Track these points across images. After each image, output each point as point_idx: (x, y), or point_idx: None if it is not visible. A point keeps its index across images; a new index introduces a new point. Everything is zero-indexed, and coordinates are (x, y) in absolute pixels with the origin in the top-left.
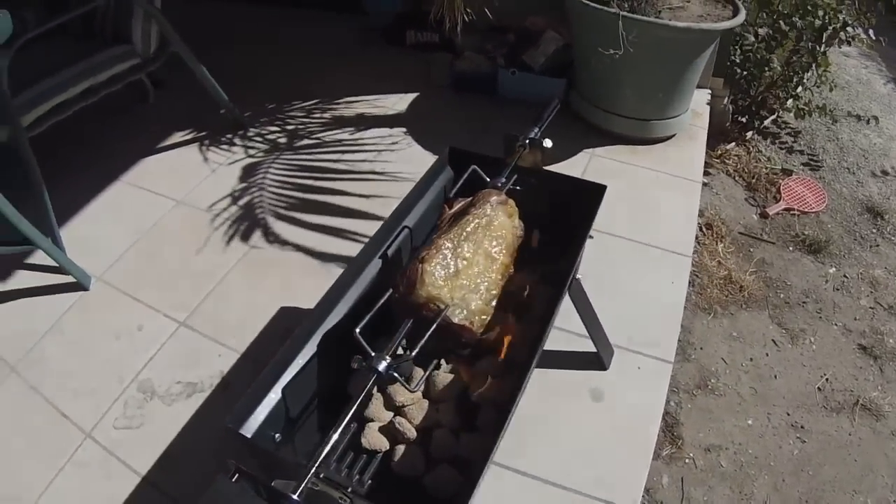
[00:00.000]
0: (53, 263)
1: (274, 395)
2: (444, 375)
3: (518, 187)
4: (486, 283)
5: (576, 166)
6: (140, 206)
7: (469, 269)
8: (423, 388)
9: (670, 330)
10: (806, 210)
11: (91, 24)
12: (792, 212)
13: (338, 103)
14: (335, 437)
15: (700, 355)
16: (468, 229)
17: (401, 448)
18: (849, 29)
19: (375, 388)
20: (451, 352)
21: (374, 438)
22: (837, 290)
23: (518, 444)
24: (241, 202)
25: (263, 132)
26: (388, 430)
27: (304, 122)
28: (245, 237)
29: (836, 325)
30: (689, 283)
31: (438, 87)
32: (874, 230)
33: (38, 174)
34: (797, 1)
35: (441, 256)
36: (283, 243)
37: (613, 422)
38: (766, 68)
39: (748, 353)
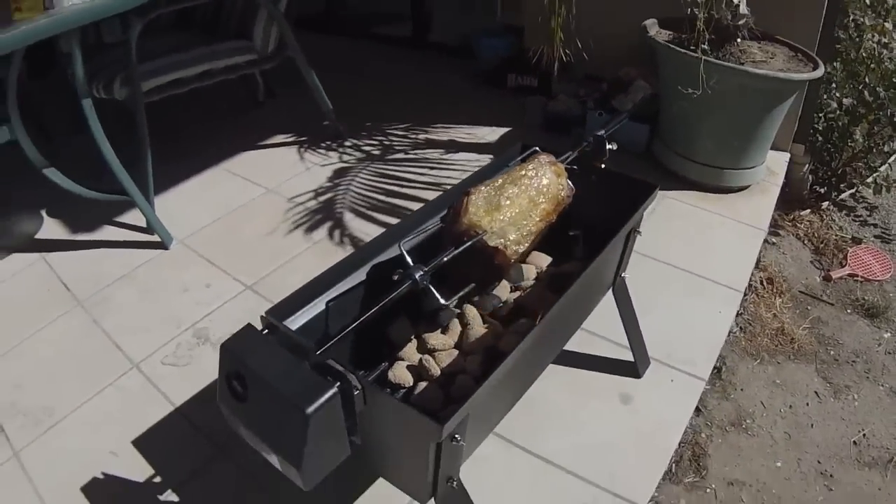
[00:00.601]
0: (141, 223)
1: (315, 307)
2: (477, 328)
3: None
4: (525, 222)
5: None
6: (232, 189)
7: (511, 208)
8: (455, 338)
9: (709, 353)
10: (870, 278)
11: (217, 19)
12: (856, 278)
13: (434, 128)
14: (365, 318)
15: (739, 396)
16: (515, 176)
17: (423, 384)
18: None
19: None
20: (484, 280)
21: (400, 373)
22: (889, 353)
23: (539, 429)
24: (326, 198)
25: (360, 143)
26: (415, 369)
27: (399, 139)
28: (324, 227)
29: (882, 386)
30: (741, 328)
31: (531, 125)
32: None
33: (146, 136)
34: (883, 72)
35: (486, 191)
36: (360, 237)
37: (637, 426)
38: (849, 140)
39: (788, 401)
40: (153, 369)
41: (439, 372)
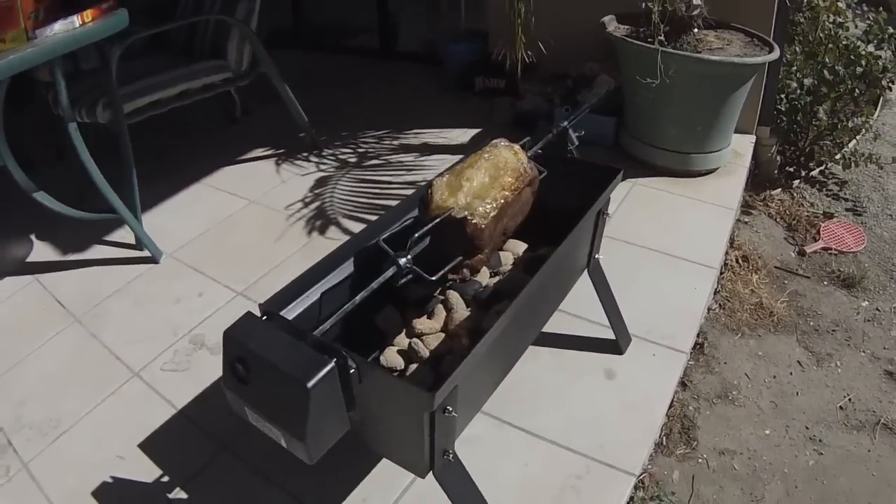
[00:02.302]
0: (129, 241)
1: (307, 298)
2: (461, 312)
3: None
4: (490, 193)
5: (618, 193)
6: (216, 203)
7: (472, 186)
8: (441, 323)
9: (688, 327)
10: (844, 250)
11: (192, 42)
12: (830, 251)
13: (406, 133)
14: (357, 300)
15: (724, 369)
16: (473, 160)
17: (413, 366)
18: (889, 74)
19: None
20: (463, 256)
21: (391, 357)
22: (868, 321)
23: (529, 407)
24: (309, 204)
25: (336, 153)
26: (405, 353)
27: (374, 146)
28: (310, 231)
29: (863, 352)
30: (720, 305)
31: (501, 125)
32: None
33: (130, 155)
34: (841, 51)
35: (448, 178)
36: (345, 238)
37: (623, 399)
38: (814, 119)
39: (772, 371)
40: (153, 376)
41: (428, 354)
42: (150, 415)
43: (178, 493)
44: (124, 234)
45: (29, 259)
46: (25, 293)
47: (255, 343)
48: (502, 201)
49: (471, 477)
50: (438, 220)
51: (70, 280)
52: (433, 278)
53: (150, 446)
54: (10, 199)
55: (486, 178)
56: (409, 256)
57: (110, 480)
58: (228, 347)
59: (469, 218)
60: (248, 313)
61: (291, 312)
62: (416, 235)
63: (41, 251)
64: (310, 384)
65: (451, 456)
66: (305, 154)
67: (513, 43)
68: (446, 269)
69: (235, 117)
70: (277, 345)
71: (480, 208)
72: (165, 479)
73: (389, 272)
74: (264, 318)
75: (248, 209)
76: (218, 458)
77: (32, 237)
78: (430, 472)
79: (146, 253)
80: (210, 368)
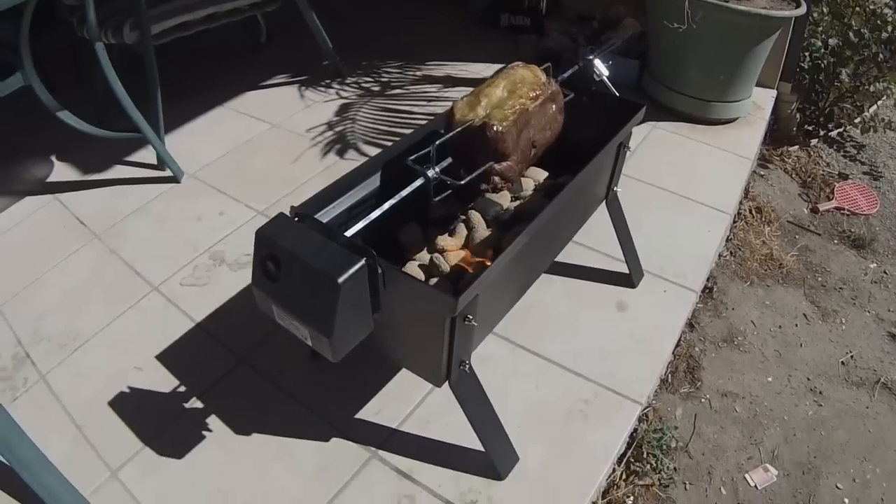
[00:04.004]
0: (150, 161)
1: (336, 208)
2: (482, 231)
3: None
4: (508, 103)
5: (637, 134)
6: (238, 127)
7: (490, 100)
8: (462, 241)
9: (699, 267)
10: (856, 212)
11: None
12: (843, 211)
13: (430, 65)
14: (385, 207)
15: (731, 315)
16: (490, 81)
17: (434, 280)
18: None
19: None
20: (488, 164)
21: (413, 271)
22: (875, 283)
23: (541, 333)
24: (331, 129)
25: (360, 81)
26: (426, 268)
27: (397, 77)
28: (332, 154)
29: (868, 312)
30: (731, 253)
31: (524, 62)
32: None
33: (156, 76)
34: (868, 14)
35: (467, 98)
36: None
37: (633, 330)
38: (836, 81)
39: (778, 322)
40: (172, 290)
41: (449, 269)
42: (169, 328)
43: (195, 403)
44: (145, 155)
45: (49, 179)
46: (46, 212)
47: (286, 241)
48: (520, 108)
49: (483, 390)
50: (460, 129)
51: (90, 199)
52: (461, 182)
53: (168, 358)
54: (30, 122)
55: (505, 93)
56: (436, 168)
57: (127, 391)
58: (260, 246)
59: (489, 122)
60: (281, 214)
61: (322, 218)
62: (437, 142)
63: (61, 171)
64: (340, 279)
65: (467, 367)
66: (328, 81)
67: None
68: (475, 173)
69: (260, 43)
70: (309, 243)
71: (497, 114)
72: (182, 389)
73: (418, 181)
74: (296, 219)
75: (269, 133)
76: (235, 370)
77: (53, 158)
78: (447, 381)
79: (167, 173)
80: (230, 284)
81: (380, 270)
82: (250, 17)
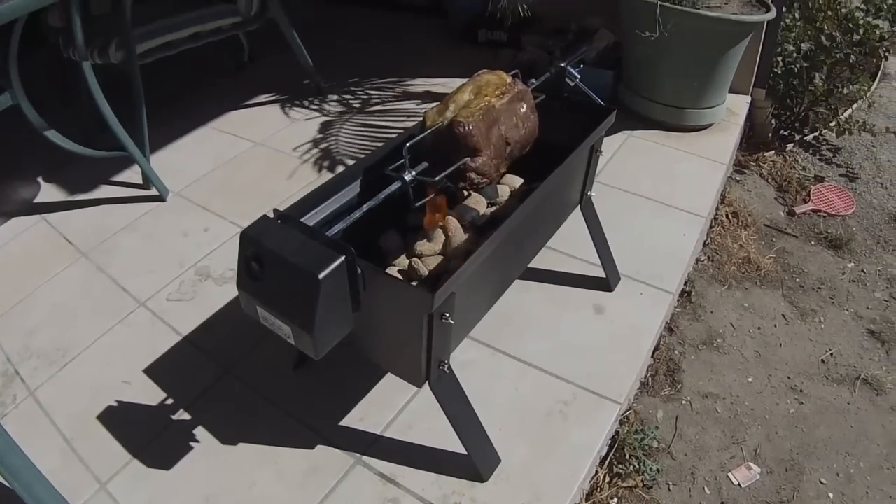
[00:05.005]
0: (136, 181)
1: (318, 213)
2: (459, 236)
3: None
4: (475, 103)
5: (614, 142)
6: (222, 145)
7: (457, 105)
8: (440, 246)
9: (675, 269)
10: (833, 213)
11: None
12: (819, 213)
13: (409, 82)
14: (364, 209)
15: (710, 318)
16: (457, 89)
17: (413, 284)
18: (886, 43)
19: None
20: (462, 164)
21: (392, 274)
22: (853, 281)
23: (520, 336)
24: (313, 147)
25: (340, 99)
26: (405, 272)
27: (378, 94)
28: (314, 170)
29: (847, 310)
30: (709, 258)
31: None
32: None
33: (141, 95)
34: (839, 18)
35: (436, 106)
36: None
37: (611, 332)
38: (810, 85)
39: (757, 323)
40: (159, 305)
41: (427, 273)
42: (156, 342)
43: (182, 415)
44: (131, 175)
45: (36, 200)
46: (33, 231)
47: (269, 240)
48: (485, 105)
49: (463, 390)
50: (429, 131)
51: (77, 218)
52: (436, 178)
53: (156, 371)
54: (16, 143)
55: (471, 96)
56: (412, 171)
57: (115, 404)
58: (244, 246)
59: (456, 120)
60: (264, 216)
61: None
62: (409, 144)
63: (48, 192)
64: (321, 275)
65: (446, 367)
66: (310, 99)
67: None
68: (449, 170)
69: (243, 62)
70: (291, 242)
71: (465, 113)
72: (169, 401)
73: (395, 185)
74: (279, 221)
75: (253, 150)
76: (220, 381)
77: (39, 179)
78: (427, 382)
79: (153, 191)
80: (215, 298)
81: (359, 270)
82: (233, 36)
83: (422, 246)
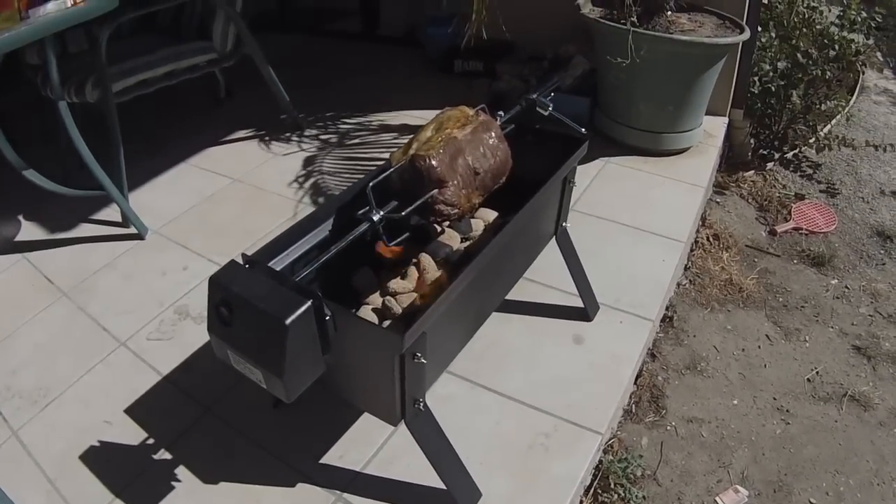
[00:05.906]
0: (115, 219)
1: (289, 256)
2: (432, 273)
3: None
4: (436, 137)
5: (591, 169)
6: (200, 182)
7: (420, 142)
8: (413, 283)
9: (655, 296)
10: (815, 230)
11: (178, 23)
12: (801, 231)
13: (386, 114)
14: (332, 251)
15: (693, 342)
16: (422, 127)
17: (387, 323)
18: (862, 58)
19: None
20: (430, 197)
21: (366, 314)
22: (837, 298)
23: (499, 370)
24: (292, 183)
25: (318, 133)
26: (379, 311)
27: (355, 127)
28: (291, 208)
29: (832, 327)
30: (690, 281)
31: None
32: (882, 251)
33: (118, 133)
34: (815, 35)
35: (401, 148)
36: None
37: (591, 361)
38: (787, 103)
39: (740, 345)
40: (139, 344)
41: (401, 311)
42: (137, 382)
43: (163, 454)
44: (110, 213)
45: (17, 239)
46: (14, 271)
47: (238, 286)
48: (445, 137)
49: (440, 428)
50: (392, 169)
51: (58, 257)
52: (403, 213)
53: (137, 411)
54: None
55: (433, 132)
56: (380, 213)
57: (97, 444)
58: (213, 291)
59: (416, 155)
60: (233, 261)
61: (274, 266)
62: (371, 184)
63: (28, 230)
64: (288, 321)
65: (421, 405)
66: (288, 135)
67: (474, 16)
68: (415, 204)
69: (220, 99)
70: (259, 288)
71: (426, 147)
72: (150, 441)
73: (363, 226)
74: (247, 266)
75: (232, 187)
76: (201, 420)
77: (20, 217)
78: (402, 420)
79: (132, 230)
80: (194, 337)
81: (328, 314)
82: (209, 73)
83: (395, 284)
